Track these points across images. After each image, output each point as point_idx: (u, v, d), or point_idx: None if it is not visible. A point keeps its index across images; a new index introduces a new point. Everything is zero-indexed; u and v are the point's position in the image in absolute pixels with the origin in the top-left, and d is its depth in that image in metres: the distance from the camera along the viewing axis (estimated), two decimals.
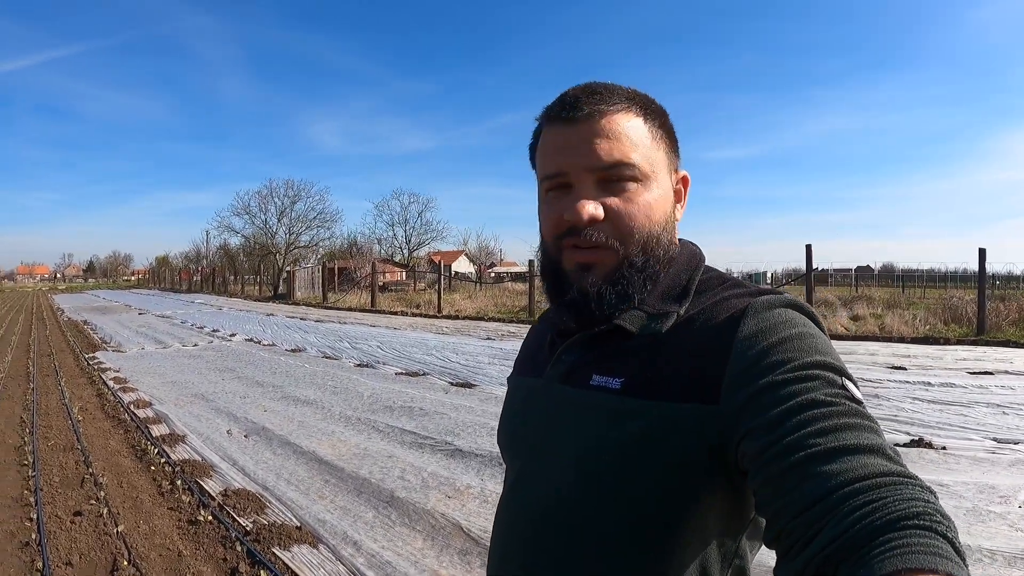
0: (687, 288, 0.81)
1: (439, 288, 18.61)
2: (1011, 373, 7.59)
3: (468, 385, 7.11)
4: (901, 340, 10.78)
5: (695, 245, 0.89)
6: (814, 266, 12.28)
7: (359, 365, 8.62)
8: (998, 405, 5.84)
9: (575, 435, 0.78)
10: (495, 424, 5.37)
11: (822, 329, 0.74)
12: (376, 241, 48.66)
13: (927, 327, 11.54)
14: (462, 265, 51.19)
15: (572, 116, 0.79)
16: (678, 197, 0.86)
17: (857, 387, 0.67)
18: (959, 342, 10.42)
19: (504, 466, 0.95)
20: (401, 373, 7.91)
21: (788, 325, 0.70)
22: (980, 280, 11.58)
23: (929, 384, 6.90)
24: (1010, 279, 28.06)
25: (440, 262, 22.80)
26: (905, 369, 7.94)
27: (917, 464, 4.20)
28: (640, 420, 0.72)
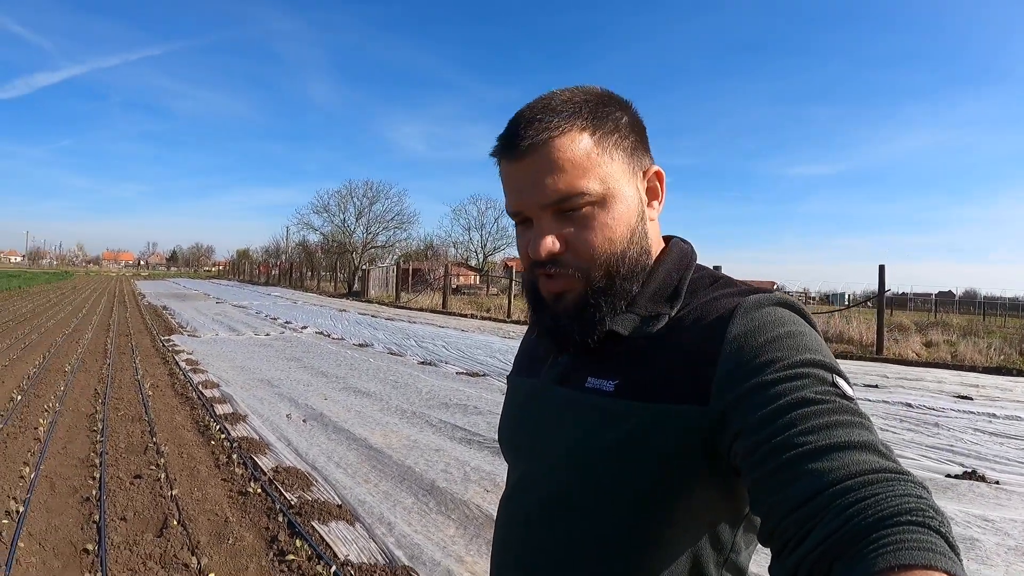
0: (678, 288, 0.79)
1: (510, 293, 18.60)
2: None
3: (479, 375, 7.12)
4: (972, 369, 10.24)
5: (687, 243, 0.88)
6: (887, 288, 11.82)
7: (422, 363, 8.73)
8: None
9: (570, 436, 0.78)
10: None
11: (814, 327, 0.73)
12: (452, 244, 49.02)
13: (1001, 357, 10.89)
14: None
15: (514, 154, 0.77)
16: (654, 194, 0.84)
17: (849, 383, 0.66)
18: None
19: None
20: (462, 373, 7.98)
21: (777, 324, 0.69)
22: None
23: (994, 416, 6.56)
24: None
25: (514, 268, 22.79)
26: (971, 399, 7.55)
27: (967, 497, 3.99)
28: (632, 422, 0.72)
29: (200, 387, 6.50)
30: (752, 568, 0.80)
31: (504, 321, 17.07)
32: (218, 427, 4.84)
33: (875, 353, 11.38)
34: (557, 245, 0.76)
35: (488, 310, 19.62)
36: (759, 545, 0.72)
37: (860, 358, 11.11)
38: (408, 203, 55.33)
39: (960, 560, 0.48)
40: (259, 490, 3.44)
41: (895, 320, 14.55)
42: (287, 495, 3.39)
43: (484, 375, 7.87)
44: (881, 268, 11.94)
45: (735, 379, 0.66)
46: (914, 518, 0.50)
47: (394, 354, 9.57)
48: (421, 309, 21.13)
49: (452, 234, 60.42)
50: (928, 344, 11.97)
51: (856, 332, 12.57)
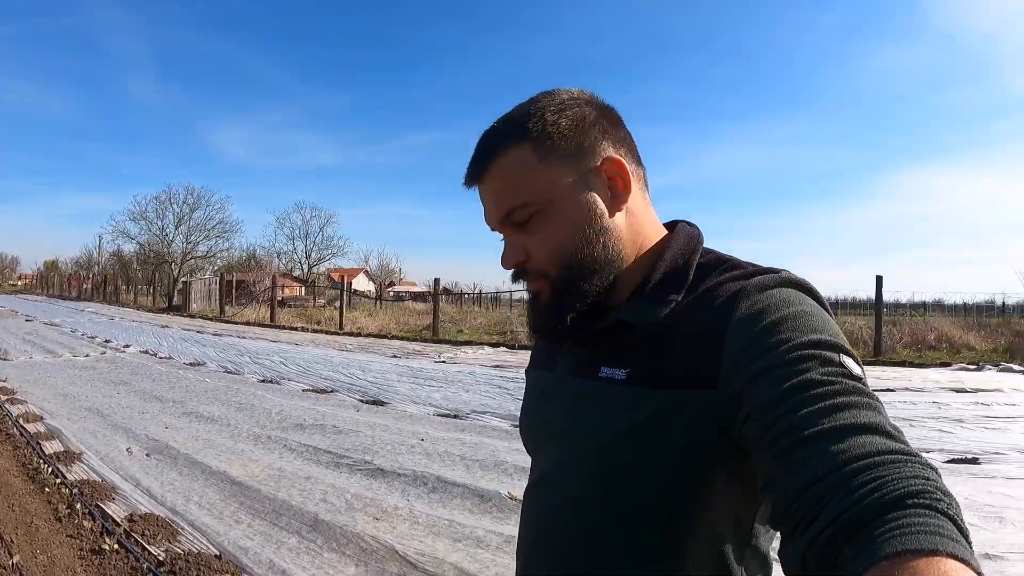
0: (685, 273, 0.79)
1: (341, 305, 17.88)
2: (911, 390, 8.06)
3: (379, 403, 6.81)
4: None
5: (693, 227, 0.87)
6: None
7: (263, 381, 8.13)
8: (904, 419, 6.10)
9: (586, 426, 0.77)
10: (413, 442, 5.18)
11: (823, 305, 0.72)
12: (276, 254, 46.57)
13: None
14: (361, 283, 49.77)
15: (469, 183, 0.83)
16: (618, 184, 0.81)
17: (858, 362, 0.64)
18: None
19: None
20: (308, 390, 7.49)
21: (782, 305, 0.68)
22: (877, 305, 12.38)
23: None
24: (897, 306, 31.33)
25: (342, 279, 22.03)
26: None
27: None
28: (644, 409, 0.71)
29: (21, 421, 5.57)
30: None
31: (337, 333, 16.37)
32: (50, 470, 4.13)
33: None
34: (517, 256, 0.80)
35: (319, 323, 18.81)
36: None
37: None
38: (231, 211, 51.83)
39: (970, 544, 0.46)
40: (116, 546, 2.92)
41: None
42: (151, 549, 2.91)
43: (332, 391, 7.47)
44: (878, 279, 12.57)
45: (742, 362, 0.65)
46: (922, 500, 0.48)
47: (231, 372, 8.87)
48: (248, 323, 19.86)
49: (276, 244, 57.62)
50: None
51: None
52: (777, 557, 0.60)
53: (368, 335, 15.45)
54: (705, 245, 0.84)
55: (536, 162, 0.78)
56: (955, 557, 0.44)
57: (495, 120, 0.84)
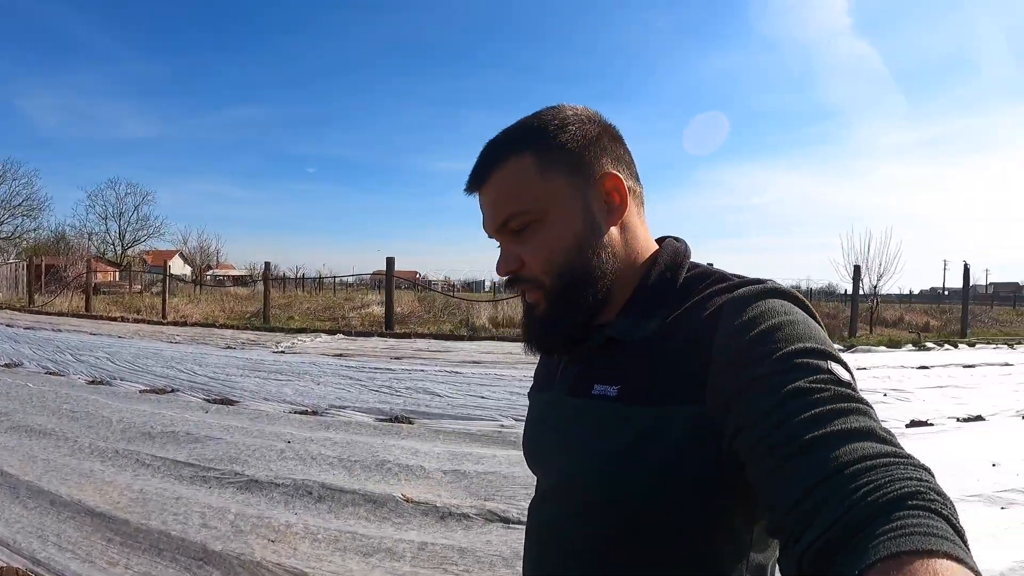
0: (672, 288, 0.77)
1: (164, 292, 16.16)
2: None
3: (228, 402, 6.22)
4: None
5: (680, 241, 0.84)
6: None
7: (92, 382, 7.06)
8: None
9: (581, 445, 0.74)
10: (280, 446, 4.80)
11: (810, 313, 0.69)
12: (87, 236, 40.85)
13: None
14: (176, 266, 45.37)
15: (471, 189, 0.81)
16: (614, 198, 0.79)
17: (846, 368, 0.62)
18: None
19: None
20: (146, 390, 6.64)
21: (767, 315, 0.66)
22: None
23: None
24: None
25: (164, 263, 19.91)
26: None
27: None
28: (634, 426, 0.69)
29: None
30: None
31: (161, 323, 14.67)
32: None
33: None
34: (512, 264, 0.79)
35: (139, 311, 16.75)
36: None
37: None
38: (39, 186, 44.69)
39: (966, 543, 0.45)
40: None
41: None
42: None
43: (173, 390, 6.68)
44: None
45: (729, 375, 0.63)
46: (916, 502, 0.47)
47: (54, 374, 7.60)
48: (62, 313, 17.20)
49: (87, 224, 50.65)
50: None
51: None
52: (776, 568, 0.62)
53: (195, 324, 14.07)
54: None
55: (536, 173, 0.76)
56: (951, 557, 0.42)
57: (499, 131, 0.81)
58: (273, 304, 16.90)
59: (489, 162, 0.79)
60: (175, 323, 14.28)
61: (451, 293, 22.42)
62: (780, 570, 0.55)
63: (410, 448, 4.70)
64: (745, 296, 0.69)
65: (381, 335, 12.08)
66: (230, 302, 18.31)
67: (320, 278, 33.58)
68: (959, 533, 0.45)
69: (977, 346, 13.85)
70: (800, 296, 0.71)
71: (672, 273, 0.78)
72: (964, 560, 0.42)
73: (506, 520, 3.40)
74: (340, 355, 9.55)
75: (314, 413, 5.85)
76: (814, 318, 0.69)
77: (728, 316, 0.67)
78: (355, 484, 3.89)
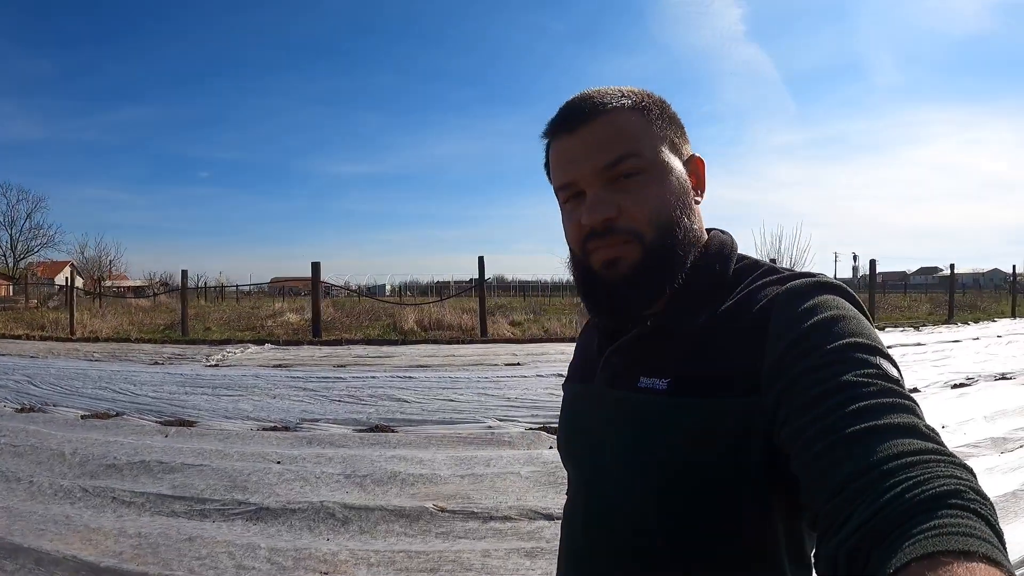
0: (722, 280, 0.70)
1: (71, 306, 14.09)
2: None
3: (186, 423, 5.42)
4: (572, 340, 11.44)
5: (726, 234, 0.77)
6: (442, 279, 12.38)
7: (22, 410, 5.92)
8: None
9: (627, 439, 0.67)
10: (272, 467, 4.19)
11: (861, 308, 0.64)
12: None
13: (577, 326, 12.38)
14: (64, 279, 40.27)
15: (571, 127, 0.70)
16: (695, 181, 0.74)
17: (895, 364, 0.57)
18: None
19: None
20: (88, 415, 5.67)
21: (820, 308, 0.61)
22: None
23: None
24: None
25: (70, 276, 17.47)
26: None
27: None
28: (688, 419, 0.63)
29: None
30: None
31: (70, 340, 12.78)
32: None
33: (481, 336, 11.65)
34: (613, 209, 0.68)
35: (43, 327, 14.51)
36: None
37: (469, 342, 11.41)
38: None
39: (1004, 545, 0.40)
40: None
41: (471, 306, 14.77)
42: None
43: (117, 414, 5.77)
44: (480, 259, 12.28)
45: (782, 367, 0.58)
46: (956, 501, 0.42)
47: None
48: None
49: None
50: (513, 324, 12.96)
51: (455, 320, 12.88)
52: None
53: (107, 339, 12.36)
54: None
55: (649, 128, 0.70)
56: (988, 559, 0.38)
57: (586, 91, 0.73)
58: (195, 318, 15.36)
59: (597, 105, 0.70)
60: (86, 339, 12.48)
61: (379, 298, 21.42)
62: (815, 561, 0.50)
63: (410, 457, 4.26)
64: (799, 289, 0.64)
65: (311, 343, 11.21)
66: (137, 315, 16.35)
67: (222, 286, 31.06)
68: (998, 535, 0.41)
69: (887, 330, 14.19)
70: (851, 291, 0.65)
71: (722, 264, 0.72)
72: (1001, 563, 0.38)
73: (549, 516, 3.14)
74: (280, 366, 8.71)
75: (286, 428, 5.22)
76: (864, 314, 0.63)
77: (781, 308, 0.62)
78: (376, 500, 3.45)
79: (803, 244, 18.14)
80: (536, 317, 13.91)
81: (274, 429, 5.20)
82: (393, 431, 5.11)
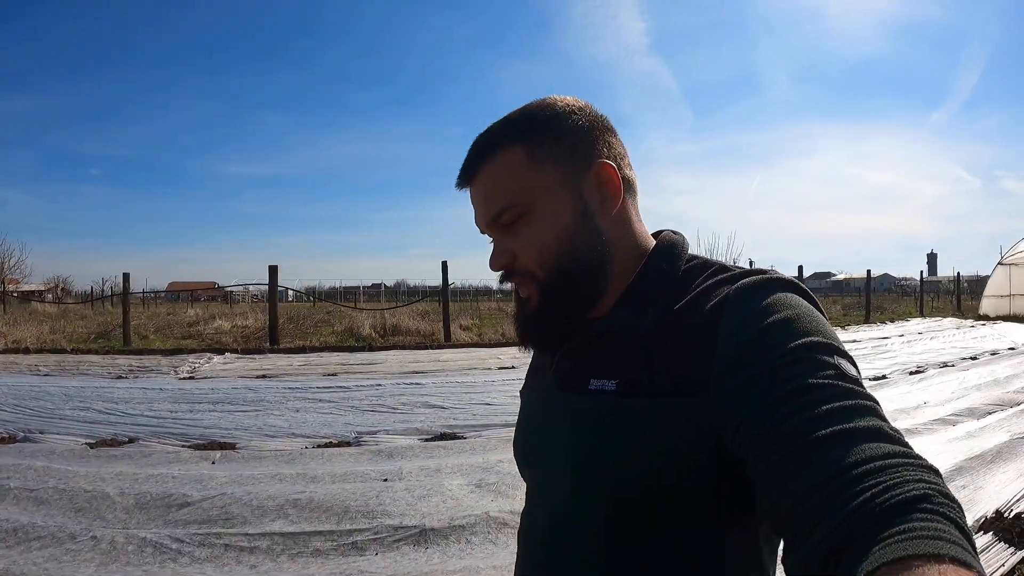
0: (671, 280, 0.62)
1: None
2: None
3: (224, 446, 4.30)
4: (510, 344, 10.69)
5: (678, 234, 0.69)
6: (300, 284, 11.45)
7: (3, 440, 4.36)
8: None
9: (576, 441, 0.59)
10: (387, 485, 3.31)
11: (815, 305, 0.56)
12: None
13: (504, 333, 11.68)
14: None
15: (464, 182, 0.66)
16: (609, 189, 0.63)
17: (853, 363, 0.50)
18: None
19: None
20: (94, 443, 4.32)
21: (774, 307, 0.53)
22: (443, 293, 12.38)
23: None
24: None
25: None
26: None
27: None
28: (636, 420, 0.55)
29: None
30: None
31: None
32: None
33: (444, 341, 10.65)
34: (505, 259, 0.65)
35: None
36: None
37: (436, 347, 10.38)
38: None
39: (974, 549, 0.35)
40: None
41: (420, 311, 13.36)
42: None
43: (129, 440, 4.47)
44: (444, 264, 11.28)
45: (734, 368, 0.51)
46: (925, 505, 0.37)
47: None
48: None
49: None
50: (463, 328, 12.02)
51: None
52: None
53: (39, 351, 9.72)
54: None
55: (527, 164, 0.62)
56: (958, 561, 0.33)
57: (489, 125, 0.65)
58: (112, 324, 12.92)
59: (479, 156, 0.64)
60: (12, 350, 9.77)
61: (340, 304, 19.36)
62: (785, 568, 0.43)
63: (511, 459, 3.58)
64: (750, 287, 0.56)
65: (273, 351, 9.69)
66: (57, 322, 13.42)
67: (127, 292, 26.69)
68: (967, 537, 0.36)
69: None
70: (805, 287, 0.57)
71: (670, 264, 0.64)
72: (971, 565, 0.33)
73: None
74: (264, 376, 7.38)
75: (348, 444, 4.31)
76: (819, 310, 0.55)
77: (733, 307, 0.54)
78: None
79: (736, 251, 17.42)
80: (480, 321, 13.20)
81: (334, 445, 4.26)
82: (463, 437, 4.38)
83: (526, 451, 0.71)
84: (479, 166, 0.64)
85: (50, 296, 19.36)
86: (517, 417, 0.75)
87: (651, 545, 0.55)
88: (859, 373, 0.50)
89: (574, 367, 0.63)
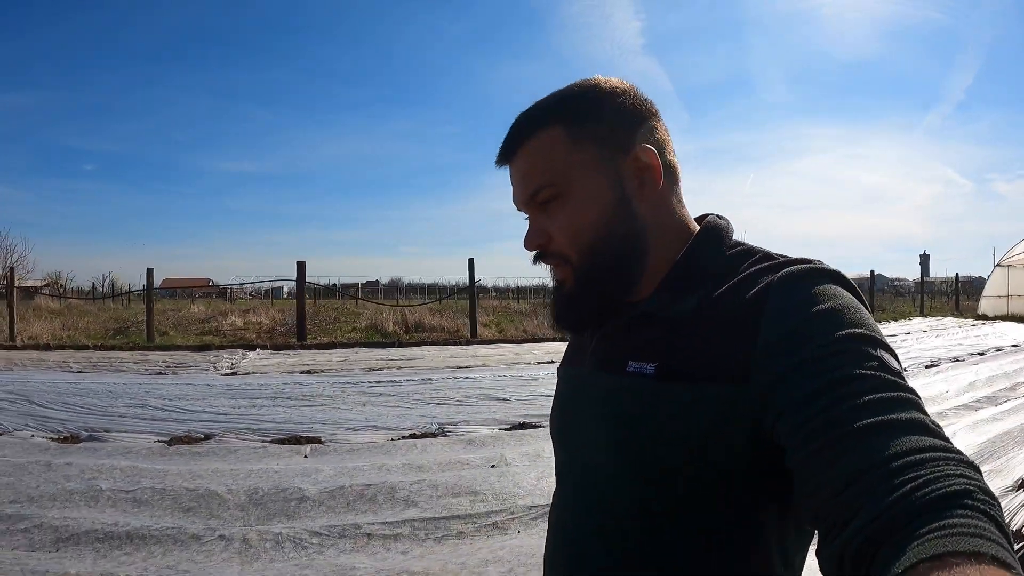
0: (713, 264, 0.60)
1: (12, 310, 10.33)
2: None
3: (311, 440, 4.19)
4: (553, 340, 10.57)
5: (722, 219, 0.67)
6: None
7: (66, 440, 4.16)
8: None
9: (613, 423, 0.58)
10: (503, 471, 3.22)
11: (859, 298, 0.54)
12: None
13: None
14: None
15: (504, 160, 0.65)
16: (648, 175, 0.61)
17: (895, 357, 0.49)
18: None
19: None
20: (168, 440, 4.18)
21: (817, 298, 0.52)
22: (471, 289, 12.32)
23: None
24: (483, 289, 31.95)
25: (10, 273, 13.25)
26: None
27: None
28: (674, 404, 0.54)
29: None
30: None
31: (15, 348, 9.42)
32: None
33: (471, 337, 10.49)
34: (539, 239, 0.63)
35: None
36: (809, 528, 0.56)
37: (465, 343, 10.25)
38: None
39: (1012, 546, 0.34)
40: None
41: (437, 308, 13.12)
42: None
43: (205, 436, 4.35)
44: (471, 262, 11.02)
45: (775, 356, 0.50)
46: (964, 501, 0.36)
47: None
48: None
49: None
50: (483, 325, 11.80)
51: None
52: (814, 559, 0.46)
53: (59, 347, 9.40)
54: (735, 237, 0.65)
55: (567, 144, 0.61)
56: (998, 560, 0.32)
57: (532, 104, 0.64)
58: (127, 319, 12.62)
59: (519, 134, 0.63)
60: (33, 347, 9.40)
61: (373, 300, 19.06)
62: (819, 561, 0.42)
63: None
64: (796, 276, 0.54)
65: (303, 347, 9.55)
66: (68, 318, 12.99)
67: (126, 293, 26.12)
68: (1006, 536, 0.35)
69: None
70: (849, 280, 0.55)
71: (714, 249, 0.62)
72: (1011, 564, 0.32)
73: None
74: (309, 372, 7.25)
75: (434, 435, 4.23)
76: (862, 302, 0.54)
77: (777, 296, 0.53)
78: None
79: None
80: (496, 318, 13.10)
81: (419, 436, 4.18)
82: (542, 426, 4.34)
83: (562, 428, 0.70)
84: (519, 144, 0.63)
85: (47, 291, 18.76)
86: (555, 392, 0.74)
87: (684, 527, 0.54)
88: (901, 367, 0.49)
89: (613, 348, 0.62)
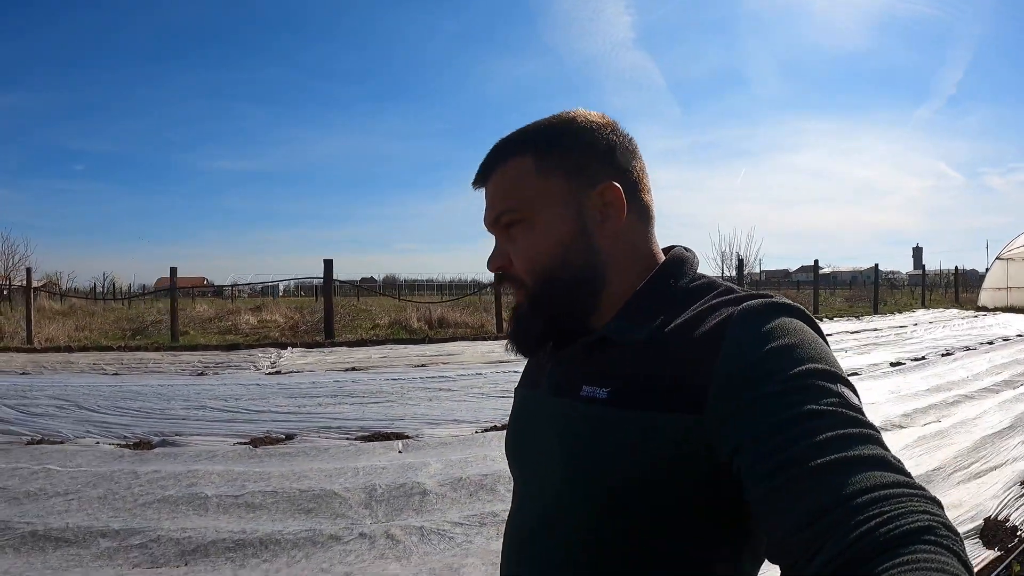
0: (674, 295, 0.61)
1: (29, 311, 9.98)
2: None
3: (399, 436, 4.13)
4: None
5: (689, 251, 0.68)
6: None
7: (137, 446, 3.98)
8: None
9: (564, 447, 0.58)
10: None
11: (819, 332, 0.55)
12: None
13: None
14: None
15: (477, 184, 0.68)
16: (612, 210, 0.62)
17: (856, 393, 0.49)
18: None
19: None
20: (248, 442, 4.11)
21: (778, 332, 0.52)
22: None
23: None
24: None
25: (28, 275, 12.79)
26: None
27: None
28: (625, 430, 0.54)
29: None
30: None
31: (33, 350, 9.12)
32: None
33: (497, 333, 10.46)
34: (500, 261, 0.66)
35: None
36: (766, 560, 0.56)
37: (492, 338, 10.15)
38: None
39: None
40: None
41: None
42: None
43: (288, 436, 4.27)
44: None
45: (732, 389, 0.50)
46: (927, 537, 0.37)
47: (41, 440, 4.17)
48: None
49: None
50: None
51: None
52: None
53: (80, 349, 9.14)
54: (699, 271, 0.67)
55: (533, 174, 0.63)
56: None
57: (512, 131, 0.66)
58: (145, 320, 12.40)
59: (493, 160, 0.65)
60: (54, 349, 9.12)
61: (406, 298, 18.82)
62: None
63: None
64: (755, 309, 0.54)
65: (335, 344, 9.42)
66: (81, 319, 12.71)
67: (129, 294, 25.69)
68: (969, 570, 0.36)
69: (835, 319, 14.04)
70: (808, 313, 0.56)
71: (675, 280, 0.63)
72: None
73: None
74: (354, 369, 7.15)
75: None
76: (822, 337, 0.54)
77: (736, 329, 0.53)
78: None
79: (755, 248, 17.60)
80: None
81: (499, 429, 4.14)
82: None
83: (516, 450, 0.70)
84: (492, 169, 0.65)
85: (45, 292, 18.40)
86: (510, 414, 0.74)
87: (635, 551, 0.54)
88: (861, 401, 0.49)
89: (569, 372, 0.62)
